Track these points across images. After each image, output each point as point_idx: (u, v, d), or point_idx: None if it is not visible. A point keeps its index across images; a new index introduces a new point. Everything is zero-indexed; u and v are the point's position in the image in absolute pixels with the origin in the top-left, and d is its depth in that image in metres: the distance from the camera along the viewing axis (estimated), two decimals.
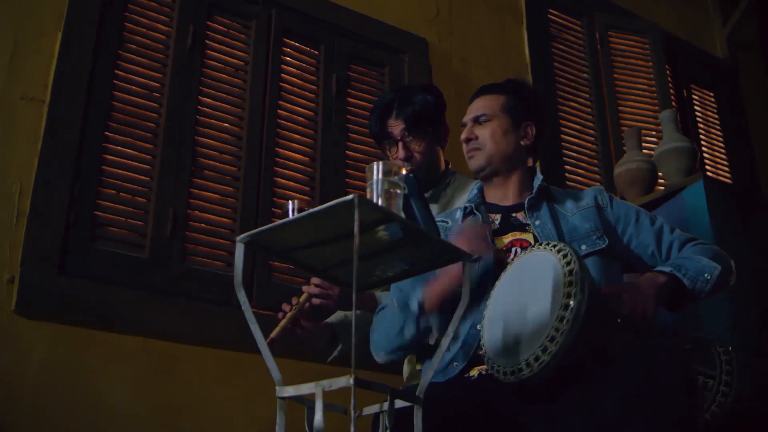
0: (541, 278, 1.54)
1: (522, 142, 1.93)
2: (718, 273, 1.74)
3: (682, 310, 1.76)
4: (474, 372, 1.68)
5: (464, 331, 1.71)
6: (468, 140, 1.92)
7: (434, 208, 2.12)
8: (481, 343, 1.61)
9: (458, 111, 2.45)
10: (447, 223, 1.93)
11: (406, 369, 2.14)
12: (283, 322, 1.89)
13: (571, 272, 1.49)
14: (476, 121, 1.94)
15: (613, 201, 1.92)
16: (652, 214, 1.91)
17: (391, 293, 1.86)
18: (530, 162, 1.97)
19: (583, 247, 1.77)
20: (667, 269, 1.73)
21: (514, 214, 1.86)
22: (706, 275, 1.72)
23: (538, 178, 1.91)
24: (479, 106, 1.96)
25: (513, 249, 1.79)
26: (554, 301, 1.48)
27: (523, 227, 1.82)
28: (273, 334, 1.83)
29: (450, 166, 2.27)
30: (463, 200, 2.07)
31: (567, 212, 1.86)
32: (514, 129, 1.93)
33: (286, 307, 1.94)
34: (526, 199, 1.86)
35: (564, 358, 1.42)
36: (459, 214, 1.94)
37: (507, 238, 1.81)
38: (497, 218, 1.87)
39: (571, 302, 1.44)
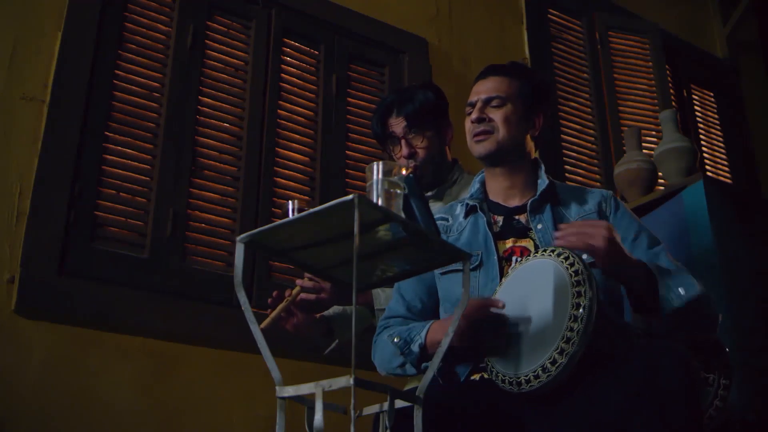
0: (542, 283, 1.53)
1: (530, 133, 1.85)
2: (696, 294, 1.57)
3: (643, 311, 1.62)
4: (476, 376, 1.67)
5: (461, 364, 1.68)
6: (480, 120, 1.80)
7: (439, 205, 2.11)
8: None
9: (458, 111, 2.45)
10: (447, 221, 1.86)
11: None
12: (274, 313, 1.89)
13: (577, 272, 1.49)
14: (488, 102, 1.82)
15: (618, 210, 1.82)
16: (655, 236, 1.80)
17: (394, 305, 1.82)
18: (533, 154, 1.88)
19: (584, 256, 1.66)
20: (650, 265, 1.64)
21: (516, 217, 1.80)
22: (680, 290, 1.57)
23: (543, 181, 1.83)
24: (492, 86, 1.83)
25: (513, 258, 1.74)
26: (560, 304, 1.48)
27: (524, 232, 1.77)
28: (263, 325, 1.83)
29: (458, 164, 2.27)
30: None
31: (570, 217, 1.78)
32: (525, 118, 1.83)
33: (275, 293, 1.94)
34: (529, 201, 1.79)
35: (581, 358, 1.42)
36: (459, 210, 1.87)
37: (508, 243, 1.76)
38: (500, 220, 1.81)
39: (583, 301, 1.44)
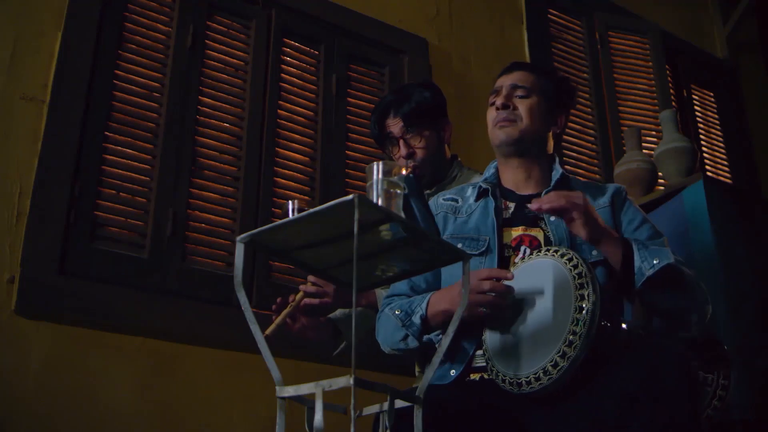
0: (544, 283, 1.53)
1: (552, 130, 1.87)
2: (667, 262, 1.60)
3: (625, 288, 1.66)
4: (475, 376, 1.67)
5: (464, 342, 1.68)
6: (505, 106, 1.81)
7: None
8: (484, 349, 1.59)
9: (458, 111, 2.45)
10: (457, 202, 1.86)
11: (417, 367, 2.14)
12: (278, 320, 1.89)
13: (580, 275, 1.48)
14: (513, 91, 1.83)
15: (626, 204, 1.85)
16: (659, 231, 1.81)
17: (398, 283, 1.80)
18: (551, 150, 1.89)
19: (594, 252, 1.69)
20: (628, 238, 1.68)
21: (528, 205, 1.77)
22: (654, 260, 1.61)
23: (557, 171, 1.84)
24: (517, 77, 1.85)
25: (522, 248, 1.73)
26: (563, 306, 1.47)
27: (535, 221, 1.76)
28: (268, 331, 1.83)
29: (457, 160, 2.27)
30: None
31: None
32: (549, 113, 1.85)
33: (279, 300, 1.94)
34: (543, 191, 1.79)
35: (583, 361, 1.42)
36: (471, 192, 1.86)
37: (517, 231, 1.76)
38: (511, 206, 1.81)
39: (586, 304, 1.44)
